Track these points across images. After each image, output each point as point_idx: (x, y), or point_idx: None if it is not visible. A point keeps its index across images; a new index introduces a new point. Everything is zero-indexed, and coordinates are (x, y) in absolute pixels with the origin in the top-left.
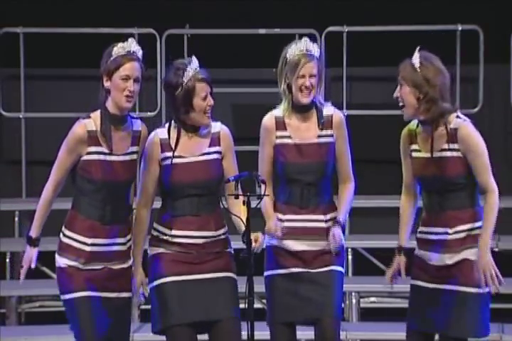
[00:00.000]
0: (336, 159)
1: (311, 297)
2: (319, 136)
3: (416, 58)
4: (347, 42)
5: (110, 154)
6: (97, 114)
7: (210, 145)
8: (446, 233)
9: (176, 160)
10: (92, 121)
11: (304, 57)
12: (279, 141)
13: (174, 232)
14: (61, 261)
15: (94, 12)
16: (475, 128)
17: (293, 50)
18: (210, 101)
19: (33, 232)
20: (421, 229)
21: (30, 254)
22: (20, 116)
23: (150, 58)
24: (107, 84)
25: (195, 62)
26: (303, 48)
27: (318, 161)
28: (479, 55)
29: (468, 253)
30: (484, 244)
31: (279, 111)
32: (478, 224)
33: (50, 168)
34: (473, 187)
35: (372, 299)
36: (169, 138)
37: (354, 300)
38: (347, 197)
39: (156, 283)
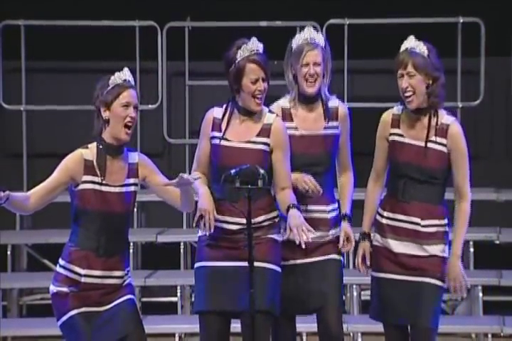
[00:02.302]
0: (338, 150)
1: (312, 287)
2: (326, 128)
3: (422, 46)
4: (348, 35)
5: (105, 185)
6: (94, 145)
7: (259, 135)
8: (418, 224)
9: (222, 142)
10: (89, 151)
11: (308, 45)
12: None
13: (217, 216)
14: (53, 288)
15: (96, 5)
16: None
17: (297, 39)
18: (261, 86)
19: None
20: (387, 214)
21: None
22: (22, 109)
23: (151, 51)
24: (105, 114)
25: (255, 43)
26: (307, 37)
27: (323, 153)
28: (480, 48)
29: (438, 250)
30: (456, 253)
31: (285, 102)
32: (445, 221)
33: (51, 161)
34: (444, 187)
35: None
36: (222, 118)
37: (355, 293)
38: (349, 189)
39: (198, 264)
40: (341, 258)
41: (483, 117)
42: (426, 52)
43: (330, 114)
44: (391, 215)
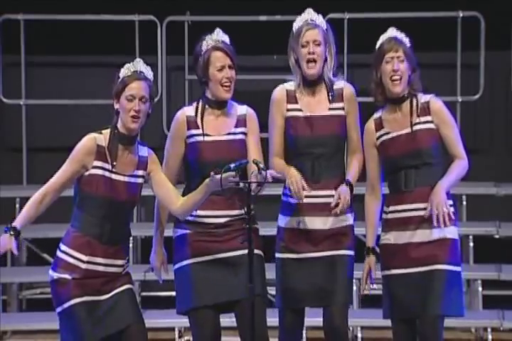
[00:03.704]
0: (347, 131)
1: (321, 283)
2: (330, 109)
3: (406, 38)
4: (348, 29)
5: (115, 173)
6: (107, 131)
7: (237, 126)
8: (425, 208)
9: (204, 138)
10: (103, 137)
11: (307, 25)
12: (289, 113)
13: (199, 212)
14: (53, 274)
15: None
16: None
17: (297, 22)
18: (228, 73)
19: (17, 223)
20: (392, 208)
21: (8, 242)
22: (21, 103)
23: (150, 45)
24: (116, 106)
25: (219, 34)
26: (306, 18)
27: (328, 134)
28: (480, 42)
29: (447, 232)
30: (443, 184)
31: (290, 85)
32: (450, 202)
33: (50, 155)
34: (444, 165)
35: (373, 286)
36: (196, 116)
37: (355, 287)
38: (356, 164)
39: (180, 264)
40: (353, 252)
41: (482, 111)
42: (409, 44)
43: (334, 95)
44: (396, 208)
